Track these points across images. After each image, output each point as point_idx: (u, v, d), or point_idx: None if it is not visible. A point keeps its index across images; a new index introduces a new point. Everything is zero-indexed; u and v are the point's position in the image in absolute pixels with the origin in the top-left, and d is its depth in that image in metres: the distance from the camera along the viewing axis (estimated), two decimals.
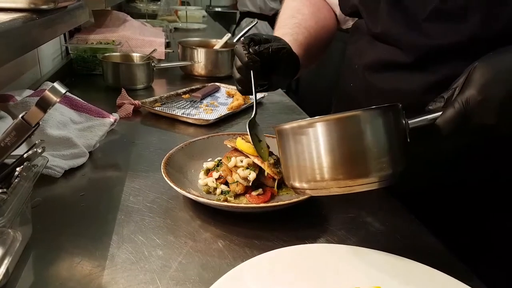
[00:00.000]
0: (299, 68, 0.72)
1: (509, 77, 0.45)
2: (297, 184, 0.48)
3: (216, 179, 0.68)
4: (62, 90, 0.42)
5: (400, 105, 0.48)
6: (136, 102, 1.06)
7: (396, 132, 0.46)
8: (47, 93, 0.42)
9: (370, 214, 0.65)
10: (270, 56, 0.64)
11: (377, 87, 0.72)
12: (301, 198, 0.60)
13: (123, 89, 1.10)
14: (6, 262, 0.37)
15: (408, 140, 0.47)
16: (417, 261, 0.51)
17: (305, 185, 0.47)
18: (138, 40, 1.53)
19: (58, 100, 0.42)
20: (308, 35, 0.80)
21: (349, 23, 0.91)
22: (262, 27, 3.22)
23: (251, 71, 0.64)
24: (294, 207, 0.62)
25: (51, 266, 0.51)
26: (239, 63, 0.64)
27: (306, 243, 0.57)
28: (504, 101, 0.45)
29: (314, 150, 0.45)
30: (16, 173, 0.43)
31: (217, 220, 0.62)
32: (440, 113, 0.47)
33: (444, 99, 0.49)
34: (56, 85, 0.42)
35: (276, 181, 0.67)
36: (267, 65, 0.65)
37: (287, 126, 0.48)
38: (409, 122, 0.48)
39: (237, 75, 0.67)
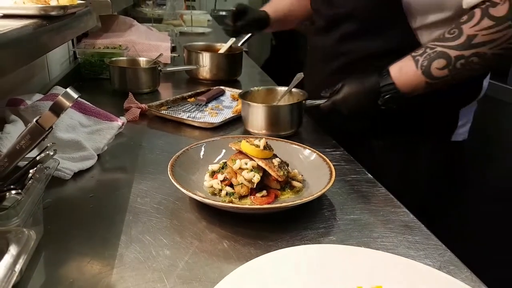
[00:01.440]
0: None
1: (353, 97, 0.89)
2: (249, 129, 0.99)
3: (221, 181, 0.70)
4: (75, 95, 0.44)
5: (305, 99, 0.99)
6: (143, 105, 1.08)
7: (297, 112, 0.98)
8: (61, 98, 0.44)
9: (373, 215, 0.66)
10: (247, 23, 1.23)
11: (312, 45, 1.15)
12: (304, 200, 0.62)
13: (130, 93, 1.12)
14: (21, 261, 0.38)
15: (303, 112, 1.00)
16: (421, 262, 0.52)
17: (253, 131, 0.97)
18: (144, 44, 1.56)
19: (70, 105, 0.44)
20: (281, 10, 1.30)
21: None
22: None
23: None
24: (298, 208, 0.63)
25: (61, 265, 0.53)
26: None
27: (309, 243, 0.58)
28: (348, 106, 0.90)
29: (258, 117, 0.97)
30: (30, 175, 0.45)
31: (222, 221, 0.63)
32: (324, 101, 0.93)
33: (328, 93, 0.93)
34: (69, 90, 0.44)
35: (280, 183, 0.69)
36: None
37: (245, 102, 0.98)
38: (306, 103, 0.99)
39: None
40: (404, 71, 0.84)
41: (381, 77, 0.85)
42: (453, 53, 0.78)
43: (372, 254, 0.53)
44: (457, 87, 0.86)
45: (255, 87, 1.08)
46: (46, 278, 0.51)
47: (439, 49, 0.80)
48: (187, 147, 0.77)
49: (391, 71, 0.85)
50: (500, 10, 0.74)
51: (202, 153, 0.78)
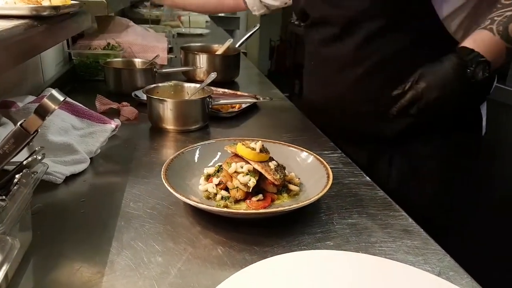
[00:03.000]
0: None
1: (439, 79, 0.80)
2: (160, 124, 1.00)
3: (216, 185, 0.68)
4: (61, 97, 0.42)
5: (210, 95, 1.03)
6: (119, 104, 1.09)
7: (202, 107, 1.00)
8: (46, 100, 0.42)
9: (372, 219, 0.64)
10: None
11: (322, 57, 1.03)
12: (301, 204, 0.60)
13: (98, 95, 1.12)
14: (4, 269, 0.37)
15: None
16: (420, 268, 0.50)
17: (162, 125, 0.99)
18: (141, 45, 1.54)
19: (56, 107, 0.42)
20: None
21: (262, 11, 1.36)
22: None
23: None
24: (294, 212, 0.62)
25: (50, 272, 0.51)
26: None
27: (306, 249, 0.57)
28: (437, 90, 0.81)
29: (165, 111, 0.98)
30: (15, 180, 0.43)
31: (217, 226, 0.61)
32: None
33: (402, 88, 0.83)
34: (54, 92, 0.42)
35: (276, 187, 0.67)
36: None
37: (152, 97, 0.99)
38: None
39: None
40: (480, 40, 0.80)
41: (459, 53, 0.80)
42: None
43: (371, 260, 0.52)
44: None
45: (163, 83, 1.09)
46: (34, 286, 0.50)
47: (509, 13, 0.79)
48: (181, 150, 0.75)
49: (467, 45, 0.80)
50: None
51: (197, 156, 0.76)
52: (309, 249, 0.57)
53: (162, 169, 0.67)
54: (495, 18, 0.79)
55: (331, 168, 0.69)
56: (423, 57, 0.83)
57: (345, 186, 0.74)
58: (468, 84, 0.79)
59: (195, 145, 0.78)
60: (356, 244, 0.58)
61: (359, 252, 0.54)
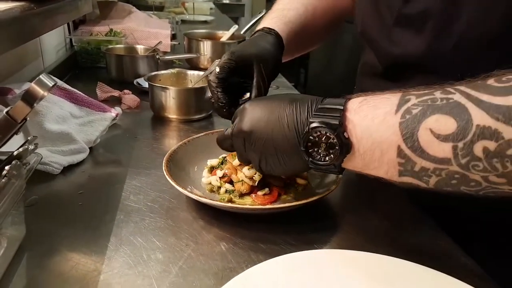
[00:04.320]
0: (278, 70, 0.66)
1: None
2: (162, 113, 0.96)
3: (220, 178, 0.65)
4: (50, 83, 0.39)
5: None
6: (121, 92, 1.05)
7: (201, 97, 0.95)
8: (33, 86, 0.38)
9: (382, 216, 0.61)
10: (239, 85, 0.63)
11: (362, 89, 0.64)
12: (309, 199, 0.57)
13: (99, 82, 1.09)
14: None
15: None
16: (431, 267, 0.47)
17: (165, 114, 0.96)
18: (143, 32, 1.50)
19: (45, 94, 0.39)
20: (305, 17, 0.74)
21: None
22: None
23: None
24: (302, 208, 0.58)
25: (44, 269, 0.49)
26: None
27: (315, 247, 0.54)
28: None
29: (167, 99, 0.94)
30: (4, 172, 0.40)
31: (220, 220, 0.58)
32: None
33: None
34: (43, 77, 0.39)
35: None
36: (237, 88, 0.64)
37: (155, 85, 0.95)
38: None
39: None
40: (370, 105, 0.45)
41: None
42: None
43: (382, 260, 0.49)
44: None
45: (165, 71, 1.05)
46: (27, 283, 0.47)
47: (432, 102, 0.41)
48: (184, 141, 0.72)
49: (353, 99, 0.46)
50: None
51: (200, 147, 0.73)
52: (318, 247, 0.54)
53: (164, 161, 0.64)
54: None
55: None
56: None
57: (356, 181, 0.71)
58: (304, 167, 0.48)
59: (199, 135, 0.75)
60: (365, 241, 0.55)
61: (368, 249, 0.51)
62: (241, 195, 0.63)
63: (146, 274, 0.48)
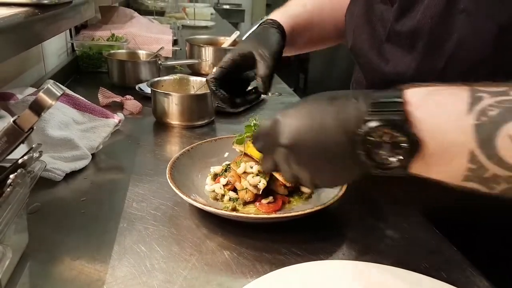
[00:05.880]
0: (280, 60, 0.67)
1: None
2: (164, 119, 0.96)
3: (224, 185, 0.65)
4: (58, 92, 0.39)
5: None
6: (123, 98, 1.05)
7: (209, 102, 0.96)
8: (42, 95, 0.38)
9: (388, 225, 0.61)
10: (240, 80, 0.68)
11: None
12: (315, 208, 0.56)
13: (101, 87, 1.08)
14: None
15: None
16: (438, 278, 0.47)
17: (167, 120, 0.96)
18: (145, 37, 1.50)
19: (54, 103, 0.39)
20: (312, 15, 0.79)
21: None
22: None
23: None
24: (307, 217, 0.58)
25: (47, 279, 0.48)
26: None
27: (321, 257, 0.53)
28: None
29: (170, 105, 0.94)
30: (9, 181, 0.40)
31: (224, 229, 0.58)
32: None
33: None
34: (51, 86, 0.39)
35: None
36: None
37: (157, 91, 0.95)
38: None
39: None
40: (435, 103, 0.41)
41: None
42: None
43: (389, 271, 0.48)
44: None
45: (168, 76, 1.05)
46: None
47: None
48: (187, 148, 0.71)
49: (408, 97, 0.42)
50: None
51: (204, 154, 0.72)
52: (324, 257, 0.53)
53: (167, 168, 0.64)
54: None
55: None
56: None
57: (361, 188, 0.71)
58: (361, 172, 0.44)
59: (202, 141, 0.74)
60: (373, 251, 0.55)
61: (376, 260, 0.50)
62: (245, 203, 0.63)
63: (150, 285, 0.47)
